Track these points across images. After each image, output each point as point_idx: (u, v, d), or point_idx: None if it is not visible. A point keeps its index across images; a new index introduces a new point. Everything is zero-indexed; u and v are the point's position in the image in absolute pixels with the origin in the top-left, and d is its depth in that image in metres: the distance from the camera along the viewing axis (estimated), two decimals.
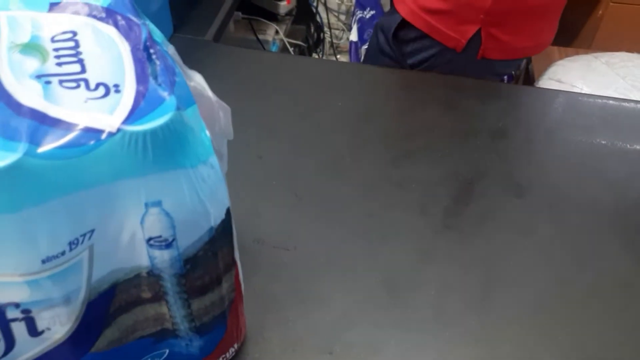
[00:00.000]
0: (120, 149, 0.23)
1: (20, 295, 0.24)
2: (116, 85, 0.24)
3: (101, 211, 0.24)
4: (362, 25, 1.37)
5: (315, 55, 1.39)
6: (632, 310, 0.42)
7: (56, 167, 0.22)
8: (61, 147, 0.22)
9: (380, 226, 0.47)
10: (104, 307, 0.27)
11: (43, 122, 0.22)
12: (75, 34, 0.26)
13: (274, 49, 1.26)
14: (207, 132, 0.26)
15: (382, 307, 0.41)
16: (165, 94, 0.24)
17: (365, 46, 1.26)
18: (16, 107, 0.22)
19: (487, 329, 0.40)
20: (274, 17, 1.25)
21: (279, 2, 1.21)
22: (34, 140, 0.22)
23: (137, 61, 0.25)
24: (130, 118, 0.23)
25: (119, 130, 0.22)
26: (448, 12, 0.66)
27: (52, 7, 0.27)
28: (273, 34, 1.25)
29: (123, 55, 0.25)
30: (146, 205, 0.24)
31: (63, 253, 0.23)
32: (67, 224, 0.23)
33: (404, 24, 0.69)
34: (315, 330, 0.40)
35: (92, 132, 0.22)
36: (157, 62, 0.26)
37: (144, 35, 0.26)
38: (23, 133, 0.22)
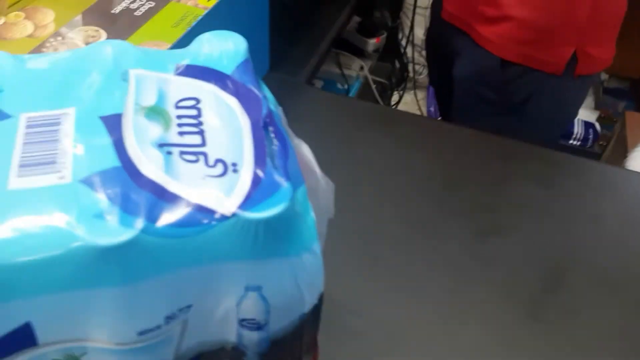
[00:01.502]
0: (231, 233, 0.22)
1: (111, 359, 0.24)
2: (234, 164, 0.24)
3: (201, 289, 0.23)
4: None
5: (396, 93, 1.38)
6: None
7: (168, 245, 0.22)
8: (176, 226, 0.21)
9: (461, 306, 0.45)
10: None
11: (161, 197, 0.22)
12: (198, 101, 0.26)
13: (357, 84, 1.26)
14: (313, 215, 0.25)
15: None
16: (282, 180, 0.23)
17: None
18: (137, 178, 0.22)
19: None
20: (360, 52, 1.25)
21: (368, 40, 1.21)
22: (152, 216, 0.21)
23: (256, 139, 0.25)
24: (246, 203, 0.22)
25: (233, 214, 0.22)
26: (543, 37, 0.68)
27: (178, 69, 0.28)
28: (358, 69, 1.25)
29: (243, 131, 0.25)
30: (246, 289, 0.24)
31: (159, 327, 0.23)
32: (168, 298, 0.23)
33: (502, 64, 0.70)
34: None
35: (207, 213, 0.22)
36: (275, 142, 0.25)
37: (264, 111, 0.26)
38: (142, 208, 0.22)
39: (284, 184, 0.23)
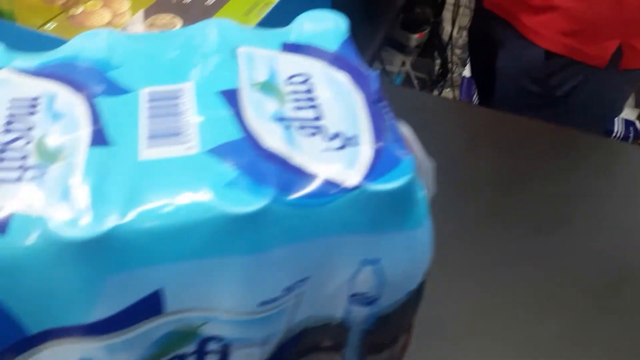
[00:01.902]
0: (354, 205, 0.22)
1: (227, 331, 0.24)
2: (353, 138, 0.24)
3: (320, 261, 0.23)
4: None
5: (435, 91, 1.37)
6: None
7: (296, 216, 0.22)
8: (305, 197, 0.22)
9: (534, 297, 0.44)
10: (289, 351, 0.27)
11: (288, 168, 0.22)
12: (308, 77, 0.27)
13: (398, 80, 1.25)
14: (424, 190, 0.25)
15: None
16: (402, 152, 0.23)
17: None
18: (262, 150, 0.23)
19: None
20: (402, 48, 1.24)
21: (411, 35, 1.21)
22: (281, 186, 0.22)
23: (372, 113, 0.25)
24: (370, 175, 0.22)
25: (358, 186, 0.22)
26: (588, 29, 0.66)
27: (285, 47, 0.28)
28: (399, 65, 1.24)
29: (357, 106, 0.25)
30: (363, 262, 0.24)
31: (278, 298, 0.23)
32: (289, 270, 0.23)
33: (546, 56, 0.69)
34: None
35: (333, 185, 0.22)
36: (389, 117, 0.25)
37: (375, 86, 0.26)
38: (271, 178, 0.22)
39: (405, 156, 0.23)
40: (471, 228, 0.49)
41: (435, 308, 0.42)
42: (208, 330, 0.24)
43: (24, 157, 0.22)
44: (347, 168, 0.23)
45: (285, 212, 0.22)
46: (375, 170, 0.23)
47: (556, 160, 0.56)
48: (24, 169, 0.21)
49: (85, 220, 0.20)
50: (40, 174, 0.21)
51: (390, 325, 0.28)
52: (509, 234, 0.49)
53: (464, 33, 1.48)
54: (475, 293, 0.44)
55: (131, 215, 0.20)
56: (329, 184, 0.22)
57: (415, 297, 0.27)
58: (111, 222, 0.20)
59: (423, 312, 0.42)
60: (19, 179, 0.21)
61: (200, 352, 0.25)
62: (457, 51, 1.61)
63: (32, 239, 0.20)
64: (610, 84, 0.72)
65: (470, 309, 0.43)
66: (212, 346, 0.25)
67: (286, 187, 0.22)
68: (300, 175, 0.22)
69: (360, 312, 0.26)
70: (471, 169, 0.54)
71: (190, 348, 0.25)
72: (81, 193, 0.21)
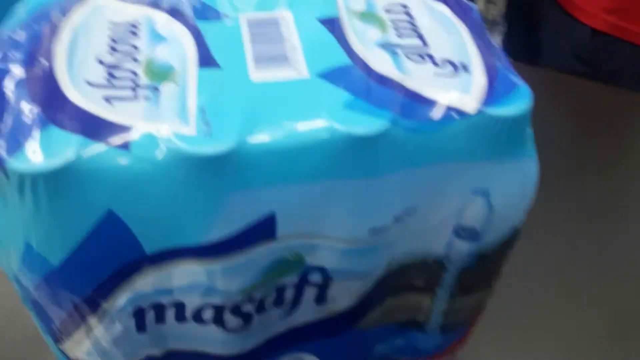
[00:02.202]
0: (473, 131, 0.22)
1: (331, 261, 0.24)
2: (463, 64, 0.23)
3: (429, 190, 0.23)
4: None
5: None
6: None
7: (413, 140, 0.21)
8: (426, 121, 0.21)
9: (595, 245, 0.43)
10: (384, 287, 0.27)
11: (402, 92, 0.22)
12: (406, 7, 0.26)
13: None
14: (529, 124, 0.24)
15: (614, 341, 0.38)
16: (516, 79, 0.23)
17: None
18: (373, 75, 0.22)
19: None
20: None
21: None
22: (400, 110, 0.21)
23: (479, 42, 0.24)
24: (488, 101, 0.22)
25: (478, 111, 0.21)
26: (633, 6, 0.63)
27: None
28: None
29: (462, 34, 0.24)
30: (473, 192, 0.23)
31: (387, 227, 0.23)
32: (399, 197, 0.22)
33: (591, 34, 0.67)
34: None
35: (452, 110, 0.21)
36: (495, 46, 0.24)
37: (477, 16, 0.25)
38: (387, 102, 0.21)
39: (521, 82, 0.22)
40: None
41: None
42: (314, 259, 0.24)
43: (134, 77, 0.21)
44: (464, 93, 0.22)
45: (403, 137, 0.21)
46: (493, 96, 0.22)
47: (611, 121, 0.55)
48: (137, 88, 0.21)
49: (208, 137, 0.20)
50: (154, 94, 0.21)
51: (487, 266, 0.27)
52: (573, 196, 0.48)
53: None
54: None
55: (252, 134, 0.20)
56: (449, 109, 0.21)
57: (513, 238, 0.26)
58: (233, 140, 0.20)
59: None
60: (135, 97, 0.21)
61: (301, 284, 0.25)
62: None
63: (157, 154, 0.19)
64: None
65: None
66: (314, 278, 0.25)
67: (406, 111, 0.21)
68: (418, 99, 0.21)
69: (462, 248, 0.25)
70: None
71: (293, 279, 0.24)
72: (199, 112, 0.20)
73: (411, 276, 0.27)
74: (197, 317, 0.25)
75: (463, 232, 0.25)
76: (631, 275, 0.42)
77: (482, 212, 0.24)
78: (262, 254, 0.23)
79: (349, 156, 0.21)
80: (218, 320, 0.25)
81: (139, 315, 0.24)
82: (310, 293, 0.26)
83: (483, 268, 0.27)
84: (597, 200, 0.47)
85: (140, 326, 0.25)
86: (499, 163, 0.23)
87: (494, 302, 0.39)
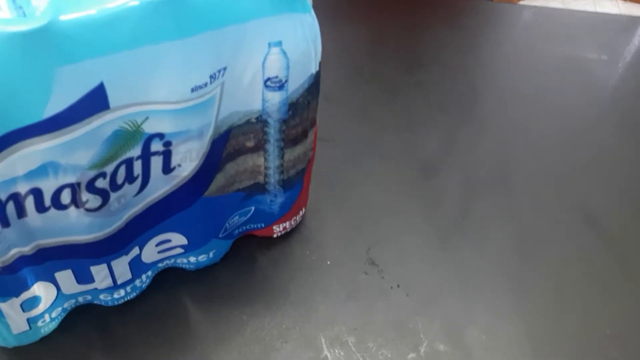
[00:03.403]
0: None
1: (166, 125, 0.28)
2: None
3: (234, 49, 0.28)
4: None
5: None
6: None
7: (207, 3, 0.26)
8: None
9: (407, 120, 0.52)
10: (220, 149, 0.32)
11: None
12: None
13: None
14: None
15: (420, 181, 0.47)
16: None
17: None
18: None
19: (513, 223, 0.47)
20: None
21: None
22: None
23: None
24: None
25: None
26: None
27: None
28: None
29: None
30: (269, 44, 0.28)
31: (206, 85, 0.27)
32: (210, 57, 0.27)
33: None
34: (363, 207, 0.45)
35: None
36: None
37: None
38: None
39: None
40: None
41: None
42: (150, 126, 0.27)
43: None
44: None
45: (199, 2, 0.25)
46: None
47: (406, 22, 0.64)
48: None
49: (23, 18, 0.22)
50: None
51: (300, 114, 0.33)
52: (380, 75, 0.56)
53: None
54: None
55: (65, 11, 0.23)
56: None
57: (315, 85, 0.32)
58: (48, 16, 0.22)
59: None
60: None
61: (146, 154, 0.29)
62: None
63: None
64: None
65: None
66: (156, 145, 0.28)
67: None
68: None
69: (274, 99, 0.31)
70: (341, 36, 0.60)
71: (137, 150, 0.28)
72: (10, 0, 0.23)
73: (242, 138, 0.33)
74: (56, 202, 0.27)
75: (271, 83, 0.30)
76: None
77: (281, 61, 0.29)
78: (100, 125, 0.26)
79: (157, 19, 0.25)
80: (77, 200, 0.28)
81: None
82: (156, 163, 0.30)
83: (297, 117, 0.33)
84: None
85: (3, 221, 0.27)
86: (283, 16, 0.28)
87: (334, 168, 0.46)
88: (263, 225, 0.40)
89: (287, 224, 0.40)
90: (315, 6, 0.30)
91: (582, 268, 0.42)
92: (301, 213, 0.41)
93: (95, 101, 0.25)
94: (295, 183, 0.37)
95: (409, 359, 0.36)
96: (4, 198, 0.26)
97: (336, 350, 0.36)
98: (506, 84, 0.58)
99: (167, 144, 0.29)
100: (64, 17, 0.23)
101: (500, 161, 0.49)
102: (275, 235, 0.41)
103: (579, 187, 0.48)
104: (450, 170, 0.48)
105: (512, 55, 0.61)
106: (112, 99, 0.25)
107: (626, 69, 0.61)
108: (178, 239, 0.35)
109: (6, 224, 0.27)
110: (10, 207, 0.26)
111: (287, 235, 0.42)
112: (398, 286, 0.40)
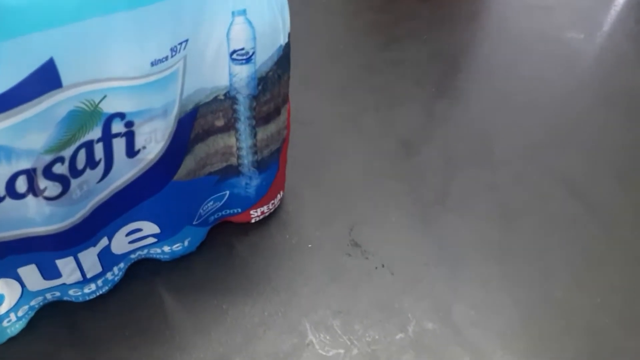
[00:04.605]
0: None
1: (127, 104, 0.26)
2: None
3: (195, 19, 0.26)
4: None
5: None
6: None
7: None
8: None
9: (385, 97, 0.51)
10: (188, 129, 0.30)
11: None
12: None
13: None
14: None
15: (400, 159, 0.46)
16: None
17: None
18: None
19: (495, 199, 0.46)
20: None
21: None
22: None
23: None
24: None
25: None
26: None
27: None
28: None
29: None
30: (232, 13, 0.27)
31: (166, 58, 0.26)
32: (169, 29, 0.25)
33: None
34: (343, 187, 0.44)
35: None
36: None
37: None
38: None
39: None
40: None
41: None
42: (109, 105, 0.26)
43: None
44: None
45: None
46: None
47: None
48: None
49: None
50: None
51: (271, 90, 0.31)
52: (355, 52, 0.55)
53: None
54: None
55: None
56: None
57: (285, 59, 0.31)
58: None
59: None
60: None
61: (107, 136, 0.27)
62: None
63: None
64: None
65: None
66: (117, 126, 0.27)
67: None
68: None
69: (242, 73, 0.29)
70: (311, 13, 0.58)
71: (97, 132, 0.26)
72: None
73: (210, 117, 0.31)
74: (12, 190, 0.25)
75: (237, 55, 0.28)
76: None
77: (246, 31, 0.28)
78: (54, 105, 0.24)
79: None
80: (34, 188, 0.26)
81: None
82: (119, 146, 0.28)
83: (267, 92, 0.31)
84: None
85: None
86: None
87: (313, 149, 0.45)
88: (240, 210, 0.38)
89: (264, 208, 0.39)
90: None
91: (566, 237, 0.41)
92: (279, 196, 0.40)
93: (45, 78, 0.23)
94: (270, 164, 0.36)
95: (397, 339, 0.35)
96: None
97: (321, 335, 0.35)
98: (483, 57, 0.57)
99: (129, 124, 0.27)
100: None
101: (480, 134, 0.49)
102: (253, 221, 0.40)
103: (559, 157, 0.47)
104: (430, 146, 0.47)
105: (487, 28, 0.60)
106: (65, 76, 0.23)
107: (603, 40, 0.60)
108: (149, 227, 0.33)
109: None
110: None
111: (265, 220, 0.40)
112: (383, 266, 0.39)
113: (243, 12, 0.27)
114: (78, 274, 0.32)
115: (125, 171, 0.29)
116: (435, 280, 0.38)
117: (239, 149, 0.33)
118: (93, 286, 0.33)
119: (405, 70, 0.54)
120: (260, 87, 0.31)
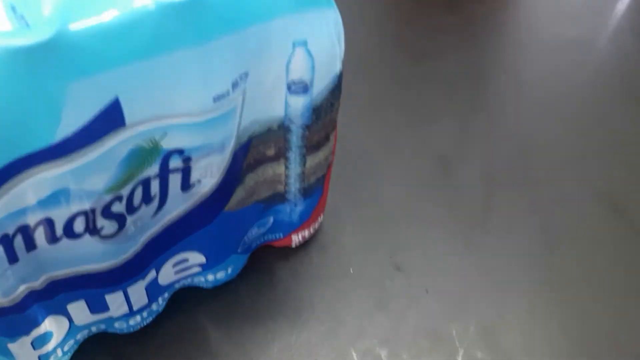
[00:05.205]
0: None
1: (187, 140, 0.25)
2: None
3: (255, 52, 0.25)
4: None
5: None
6: None
7: (229, 4, 0.23)
8: None
9: (418, 113, 0.50)
10: (241, 161, 0.29)
11: None
12: None
13: None
14: None
15: (437, 178, 0.45)
16: None
17: None
18: None
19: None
20: None
21: None
22: None
23: None
24: None
25: None
26: None
27: None
28: None
29: None
30: (293, 44, 0.26)
31: (228, 93, 0.25)
32: (231, 63, 0.24)
33: None
34: (381, 208, 0.43)
35: None
36: None
37: None
38: None
39: None
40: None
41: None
42: (169, 143, 0.25)
43: None
44: None
45: (218, 2, 0.23)
46: None
47: (404, 7, 0.62)
48: None
49: (26, 29, 0.19)
50: None
51: (323, 119, 0.30)
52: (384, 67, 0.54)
53: None
54: None
55: (73, 20, 0.20)
56: None
57: (338, 86, 0.30)
58: (54, 27, 0.20)
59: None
60: None
61: (164, 172, 0.26)
62: None
63: None
64: None
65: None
66: (175, 162, 0.26)
67: None
68: None
69: (297, 104, 0.28)
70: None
71: (155, 168, 0.25)
72: (9, 9, 0.20)
73: (262, 147, 0.30)
74: (69, 231, 0.25)
75: (294, 86, 0.28)
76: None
77: (305, 62, 0.27)
78: (116, 145, 0.23)
79: (171, 26, 0.22)
80: (91, 228, 0.25)
81: (5, 243, 0.23)
82: (175, 181, 0.27)
83: (320, 121, 0.31)
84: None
85: (11, 256, 0.24)
86: (307, 13, 0.26)
87: (348, 169, 0.44)
88: (282, 235, 0.37)
89: (305, 232, 0.38)
90: None
91: (613, 260, 0.40)
92: (319, 220, 0.39)
93: (110, 118, 0.22)
94: (315, 190, 0.35)
95: None
96: (11, 232, 0.23)
97: None
98: (514, 68, 0.56)
99: (187, 160, 0.26)
100: (73, 27, 0.20)
101: (518, 149, 0.48)
102: (293, 245, 0.39)
103: (601, 172, 0.46)
104: (467, 163, 0.46)
105: (517, 39, 0.60)
106: (129, 114, 0.23)
107: (632, 45, 0.59)
108: (196, 257, 0.33)
109: (14, 259, 0.24)
110: (19, 241, 0.24)
111: (305, 244, 0.40)
112: (426, 291, 0.38)
113: (304, 43, 0.26)
114: (125, 307, 0.31)
115: (178, 205, 0.28)
116: (480, 307, 0.37)
117: (287, 177, 0.33)
118: (138, 318, 0.33)
119: (437, 85, 0.53)
120: (313, 117, 0.30)
